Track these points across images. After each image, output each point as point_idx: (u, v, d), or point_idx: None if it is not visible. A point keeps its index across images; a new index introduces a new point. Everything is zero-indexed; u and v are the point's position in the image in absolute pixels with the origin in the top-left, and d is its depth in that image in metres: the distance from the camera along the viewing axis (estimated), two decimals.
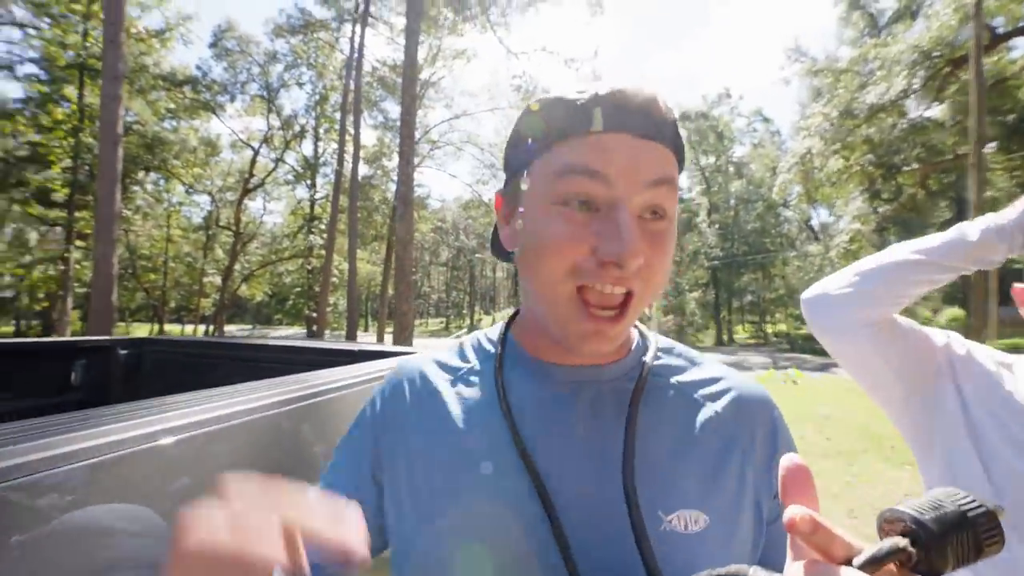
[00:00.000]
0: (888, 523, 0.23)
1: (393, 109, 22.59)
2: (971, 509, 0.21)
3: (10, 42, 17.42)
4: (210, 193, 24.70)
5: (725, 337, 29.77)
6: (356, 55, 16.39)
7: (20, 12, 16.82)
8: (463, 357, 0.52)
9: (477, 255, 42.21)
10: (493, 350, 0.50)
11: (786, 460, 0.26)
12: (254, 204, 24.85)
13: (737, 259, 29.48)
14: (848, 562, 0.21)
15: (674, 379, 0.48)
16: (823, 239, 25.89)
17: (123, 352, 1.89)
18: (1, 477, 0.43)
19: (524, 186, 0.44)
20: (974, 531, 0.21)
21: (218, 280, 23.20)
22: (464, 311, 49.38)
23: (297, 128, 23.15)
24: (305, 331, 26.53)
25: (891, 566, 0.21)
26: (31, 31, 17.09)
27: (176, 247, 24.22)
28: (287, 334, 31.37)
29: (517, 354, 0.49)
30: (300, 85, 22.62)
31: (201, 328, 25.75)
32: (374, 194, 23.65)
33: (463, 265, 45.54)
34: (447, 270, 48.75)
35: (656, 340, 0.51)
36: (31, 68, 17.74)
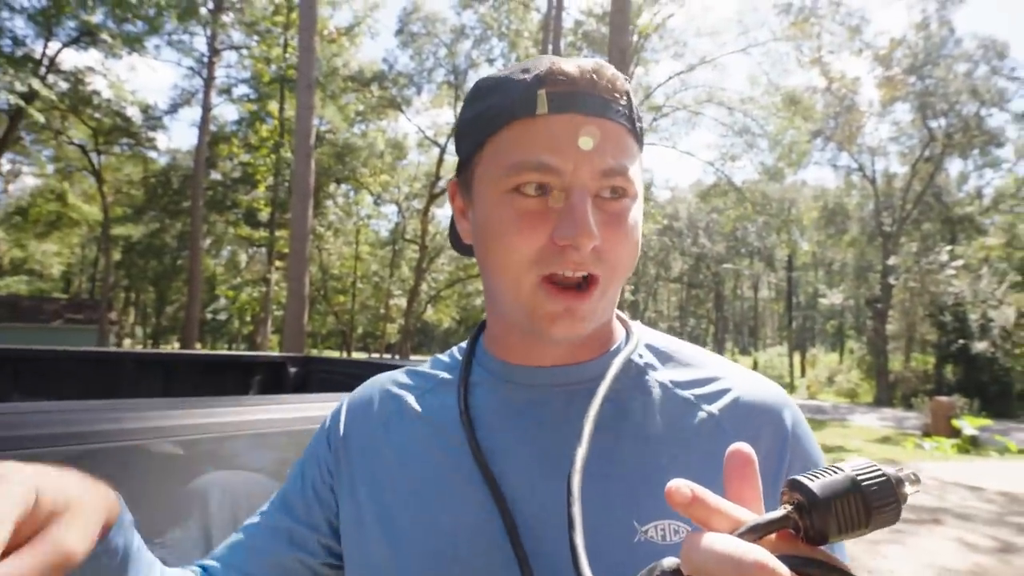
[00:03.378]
0: (784, 492, 0.28)
1: None
2: (865, 475, 0.26)
3: (228, 66, 24.14)
4: (397, 202, 29.54)
5: None
6: (555, 10, 17.55)
7: (237, 35, 23.38)
8: (434, 368, 0.65)
9: (726, 265, 39.86)
10: (463, 356, 0.62)
11: (732, 447, 0.32)
12: (441, 212, 28.58)
13: None
14: (731, 533, 0.27)
15: (661, 377, 0.57)
16: None
17: (292, 369, 2.54)
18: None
19: (476, 175, 0.55)
20: (863, 497, 0.25)
21: (403, 303, 27.38)
22: (707, 344, 46.47)
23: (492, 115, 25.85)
24: None
25: (774, 537, 0.27)
26: (244, 52, 23.54)
27: (364, 265, 29.61)
28: None
29: (485, 360, 0.61)
30: (491, 62, 25.33)
31: (387, 357, 30.65)
32: None
33: (705, 281, 43.38)
34: (681, 288, 47.25)
35: (643, 335, 0.61)
36: (243, 89, 24.35)
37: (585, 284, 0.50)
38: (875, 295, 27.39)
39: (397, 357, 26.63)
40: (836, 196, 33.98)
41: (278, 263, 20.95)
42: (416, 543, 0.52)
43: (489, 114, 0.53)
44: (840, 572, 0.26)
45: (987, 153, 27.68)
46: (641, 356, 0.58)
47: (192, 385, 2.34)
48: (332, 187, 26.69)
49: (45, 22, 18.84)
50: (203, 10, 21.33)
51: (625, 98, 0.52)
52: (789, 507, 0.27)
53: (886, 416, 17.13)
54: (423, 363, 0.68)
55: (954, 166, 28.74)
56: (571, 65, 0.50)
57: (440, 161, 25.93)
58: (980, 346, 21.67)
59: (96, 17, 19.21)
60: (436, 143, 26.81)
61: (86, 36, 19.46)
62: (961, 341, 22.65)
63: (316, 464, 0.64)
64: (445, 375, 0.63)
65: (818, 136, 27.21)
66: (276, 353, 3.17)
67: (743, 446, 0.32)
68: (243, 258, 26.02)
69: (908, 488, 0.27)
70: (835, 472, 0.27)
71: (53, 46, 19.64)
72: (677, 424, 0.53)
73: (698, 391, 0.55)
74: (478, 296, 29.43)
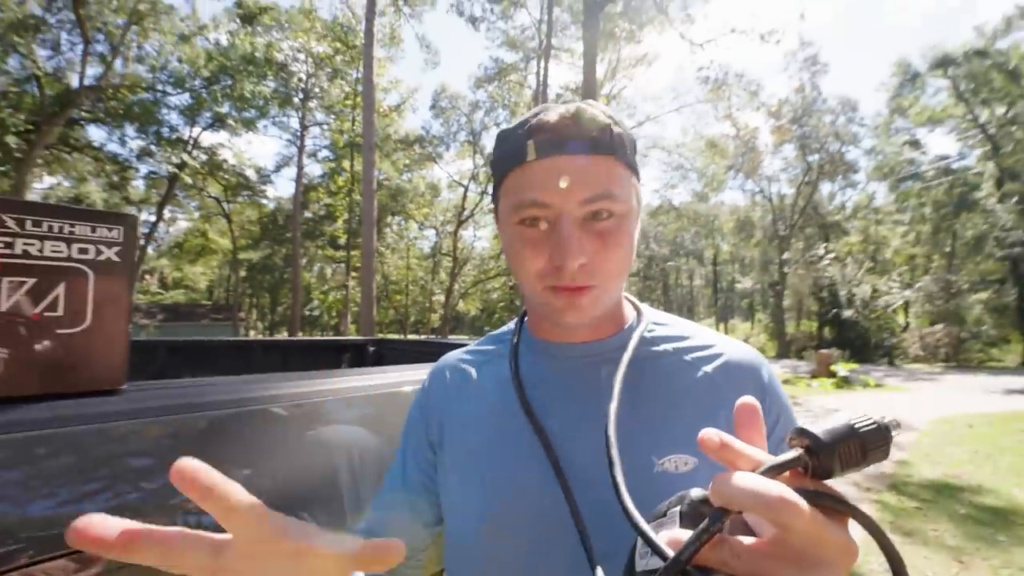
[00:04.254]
0: (792, 438, 0.26)
1: None
2: (861, 424, 0.24)
3: (314, 136, 24.38)
4: (435, 227, 29.72)
5: None
6: (542, 87, 17.55)
7: (319, 115, 23.56)
8: (490, 343, 0.61)
9: (670, 263, 39.71)
10: (511, 338, 0.58)
11: (740, 400, 0.29)
12: (466, 233, 28.72)
13: None
14: (753, 471, 0.24)
15: (667, 346, 0.52)
16: None
17: (371, 348, 2.54)
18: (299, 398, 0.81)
19: (499, 207, 0.51)
20: (860, 440, 0.24)
21: (442, 298, 27.56)
22: None
23: None
24: None
25: (788, 474, 0.25)
26: (324, 127, 23.72)
27: (413, 273, 29.83)
28: None
29: (529, 339, 0.57)
30: (497, 125, 25.38)
31: (432, 338, 30.79)
32: None
33: (655, 275, 43.33)
34: (639, 280, 47.13)
35: (651, 315, 0.56)
36: (324, 152, 24.57)
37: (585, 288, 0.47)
38: (775, 280, 27.29)
39: (439, 336, 26.91)
40: (745, 211, 33.75)
41: (353, 274, 21.19)
42: (484, 485, 0.49)
43: (500, 161, 0.50)
44: (842, 501, 0.24)
45: (847, 178, 27.54)
46: (651, 331, 0.54)
47: (300, 362, 2.32)
48: (389, 218, 26.93)
49: (191, 114, 19.29)
50: (296, 100, 21.58)
51: (607, 132, 0.46)
52: (800, 450, 0.25)
53: (785, 365, 17.12)
54: (481, 340, 0.63)
55: (825, 187, 28.51)
56: (554, 114, 0.46)
57: (464, 197, 26.07)
58: (847, 313, 21.63)
59: (224, 108, 19.55)
60: (461, 184, 26.93)
61: (218, 122, 19.82)
62: (835, 310, 22.55)
63: (416, 431, 0.59)
64: (499, 349, 0.59)
65: (731, 169, 27.14)
66: (358, 337, 3.12)
67: (749, 399, 0.29)
68: (329, 271, 26.25)
69: (893, 432, 0.25)
70: (835, 422, 0.25)
71: (196, 130, 20.08)
72: (682, 381, 0.50)
73: (696, 355, 0.52)
74: (495, 292, 29.57)
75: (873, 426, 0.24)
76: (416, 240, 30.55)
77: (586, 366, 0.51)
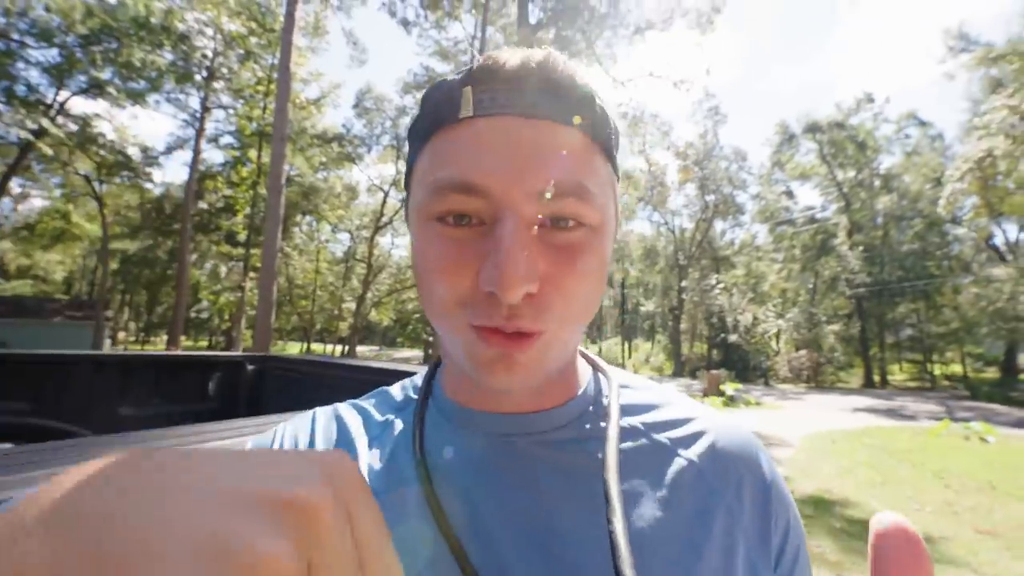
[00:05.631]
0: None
1: None
2: None
3: (217, 120, 22.07)
4: (350, 231, 28.24)
5: (876, 378, 24.67)
6: None
7: (225, 98, 21.42)
8: (386, 408, 0.40)
9: None
10: (416, 399, 0.39)
11: (880, 522, 0.20)
12: (384, 240, 27.66)
13: (890, 286, 24.71)
14: None
15: (636, 420, 0.37)
16: (1014, 259, 20.50)
17: (250, 367, 2.06)
18: None
19: (410, 197, 0.33)
20: None
21: (353, 306, 26.11)
22: None
23: None
24: (422, 353, 28.35)
25: None
26: (231, 111, 21.60)
27: (322, 277, 27.96)
28: (406, 355, 33.80)
29: (442, 402, 0.38)
30: None
31: (339, 348, 29.02)
32: None
33: None
34: None
35: (616, 375, 0.39)
36: (228, 139, 22.32)
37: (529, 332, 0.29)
38: (674, 305, 29.79)
39: (347, 347, 25.35)
40: (651, 240, 36.65)
41: (252, 274, 19.28)
42: None
43: (418, 126, 0.33)
44: None
45: (736, 218, 31.36)
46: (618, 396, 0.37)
47: (146, 389, 1.89)
48: (298, 217, 25.09)
49: (58, 75, 16.54)
50: (198, 77, 19.44)
51: (588, 101, 0.30)
52: None
53: (681, 384, 18.54)
54: (372, 396, 0.43)
55: (719, 225, 32.02)
56: (512, 55, 0.30)
57: (384, 203, 25.17)
58: (733, 338, 24.13)
59: (105, 74, 17.03)
60: (381, 189, 26.06)
61: (94, 88, 17.16)
62: (722, 335, 25.13)
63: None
64: (396, 417, 0.39)
65: (641, 201, 29.37)
66: (236, 353, 2.49)
67: (893, 516, 0.20)
68: (223, 270, 23.66)
69: None
70: None
71: (64, 94, 17.20)
72: (655, 472, 0.34)
73: (672, 434, 0.36)
74: (411, 302, 28.73)
75: None
76: (328, 243, 28.88)
77: (519, 449, 0.34)
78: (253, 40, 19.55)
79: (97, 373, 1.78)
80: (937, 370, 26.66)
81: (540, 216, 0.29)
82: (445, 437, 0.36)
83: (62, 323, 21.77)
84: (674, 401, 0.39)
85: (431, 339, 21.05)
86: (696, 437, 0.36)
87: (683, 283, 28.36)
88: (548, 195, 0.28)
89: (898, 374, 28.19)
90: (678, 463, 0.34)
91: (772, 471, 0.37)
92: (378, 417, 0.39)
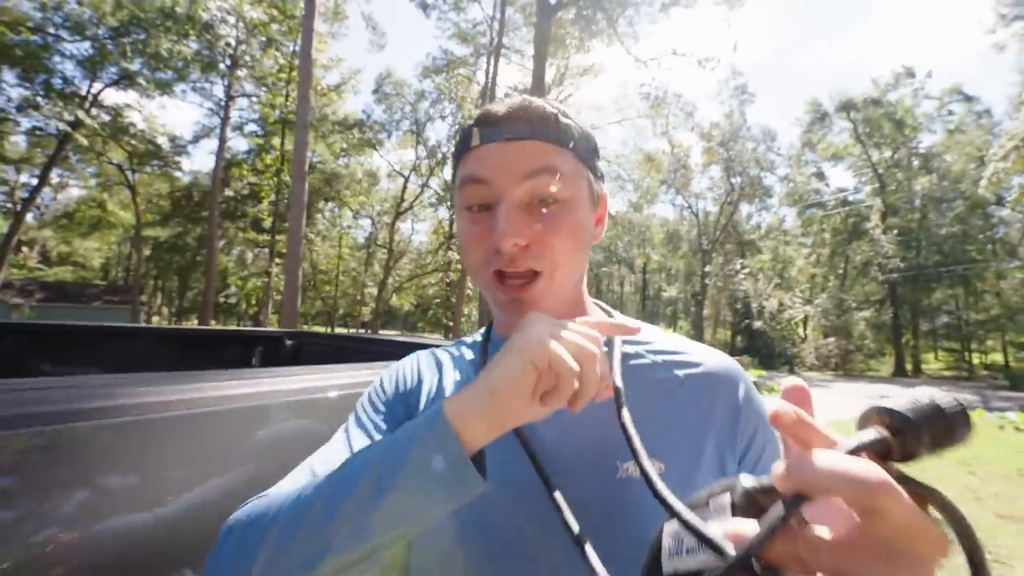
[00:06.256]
0: (872, 417, 0.22)
1: None
2: (945, 402, 0.21)
3: (241, 109, 22.41)
4: (371, 217, 28.56)
5: (909, 366, 23.75)
6: (490, 84, 17.47)
7: (249, 86, 21.70)
8: (463, 347, 0.59)
9: (604, 269, 41.31)
10: (480, 339, 0.56)
11: (786, 383, 0.26)
12: (404, 225, 27.91)
13: (926, 271, 23.66)
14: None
15: (641, 348, 0.51)
16: None
17: (289, 342, 2.31)
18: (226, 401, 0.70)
19: (455, 197, 0.51)
20: (947, 420, 0.21)
21: (375, 291, 26.56)
22: None
23: (440, 156, 25.53)
24: (443, 338, 28.75)
25: (864, 455, 0.21)
26: (254, 99, 21.89)
27: (344, 263, 28.46)
28: (427, 341, 34.25)
29: (495, 339, 0.55)
30: (443, 118, 24.93)
31: (361, 332, 29.60)
32: None
33: (589, 280, 44.95)
34: None
35: (623, 316, 0.54)
36: (252, 127, 22.68)
37: (532, 277, 0.46)
38: (697, 291, 29.27)
39: (368, 332, 25.89)
40: (674, 224, 35.88)
41: (278, 260, 19.77)
42: None
43: (455, 154, 0.52)
44: (926, 486, 0.21)
45: (763, 201, 30.27)
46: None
47: (201, 357, 2.06)
48: (321, 204, 25.47)
49: (91, 67, 17.02)
50: (222, 66, 19.71)
51: (551, 120, 0.47)
52: (881, 429, 0.22)
53: None
54: (447, 345, 0.62)
55: (744, 208, 31.05)
56: (502, 106, 0.48)
57: (404, 188, 25.29)
58: (757, 324, 23.63)
59: (134, 66, 17.46)
60: (401, 174, 26.11)
61: (125, 80, 17.62)
62: (747, 321, 24.63)
63: (385, 399, 0.53)
64: (466, 352, 0.57)
65: (664, 184, 28.66)
66: (274, 329, 2.77)
67: (796, 380, 0.26)
68: (249, 256, 24.32)
69: (971, 413, 0.22)
70: (917, 400, 0.22)
71: (97, 86, 17.82)
72: (657, 385, 0.48)
73: (670, 358, 0.50)
74: (432, 287, 29.00)
75: (958, 406, 0.22)
76: (350, 229, 29.24)
77: None
78: (275, 27, 19.67)
79: (158, 344, 1.97)
80: (976, 359, 25.62)
81: (528, 197, 0.46)
82: None
83: (101, 307, 22.83)
84: (674, 338, 0.53)
85: (451, 324, 21.48)
86: (687, 363, 0.49)
87: (706, 268, 27.76)
88: (526, 177, 0.45)
89: (932, 363, 27.18)
90: (674, 379, 0.48)
91: (747, 393, 0.48)
92: (456, 353, 0.57)
